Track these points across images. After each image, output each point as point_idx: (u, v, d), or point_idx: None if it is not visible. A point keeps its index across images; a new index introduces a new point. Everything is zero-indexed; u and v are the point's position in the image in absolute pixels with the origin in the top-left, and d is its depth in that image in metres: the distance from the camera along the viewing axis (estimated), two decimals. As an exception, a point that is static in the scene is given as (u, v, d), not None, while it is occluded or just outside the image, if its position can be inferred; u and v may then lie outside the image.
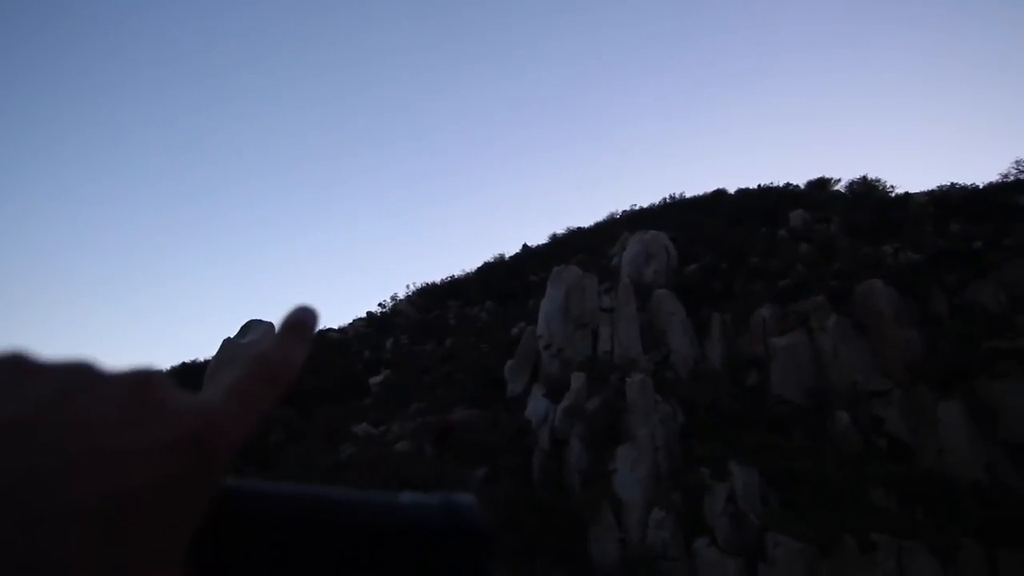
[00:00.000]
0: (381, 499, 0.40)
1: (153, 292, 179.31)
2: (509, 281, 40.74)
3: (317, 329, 0.43)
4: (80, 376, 0.31)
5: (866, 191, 33.28)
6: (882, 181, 33.60)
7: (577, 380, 21.65)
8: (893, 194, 31.98)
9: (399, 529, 0.38)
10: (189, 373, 37.62)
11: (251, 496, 0.37)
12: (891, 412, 18.83)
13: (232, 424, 0.33)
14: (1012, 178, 27.26)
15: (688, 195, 47.14)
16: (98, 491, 0.26)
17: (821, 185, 37.22)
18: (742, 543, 15.52)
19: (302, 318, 0.42)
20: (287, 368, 0.38)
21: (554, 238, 49.08)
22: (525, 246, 49.23)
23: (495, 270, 45.74)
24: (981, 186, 27.92)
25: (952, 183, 29.24)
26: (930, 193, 29.65)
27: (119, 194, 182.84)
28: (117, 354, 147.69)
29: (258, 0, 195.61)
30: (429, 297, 44.54)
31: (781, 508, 16.32)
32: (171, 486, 0.29)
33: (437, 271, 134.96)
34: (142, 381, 0.32)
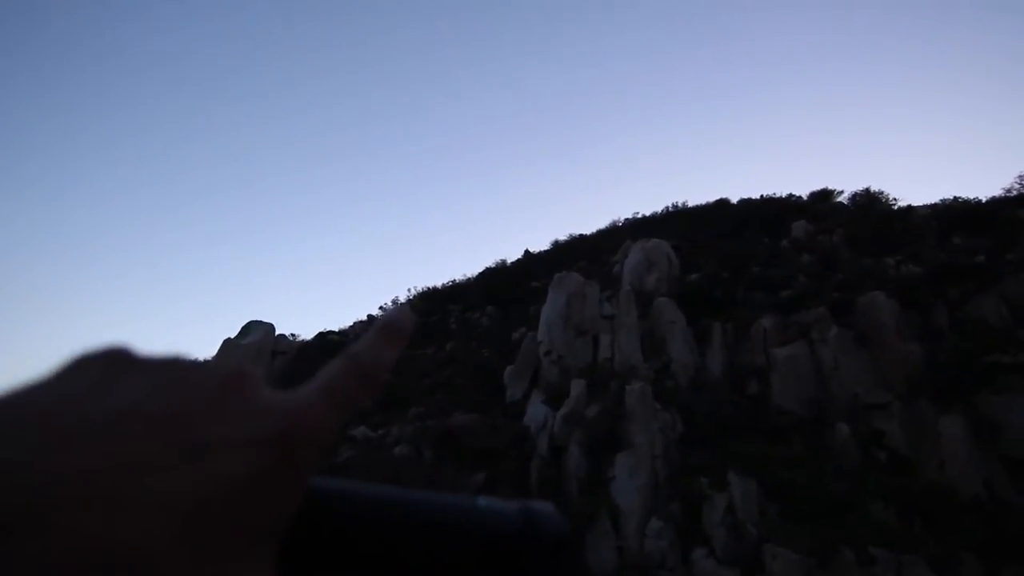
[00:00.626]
0: (460, 502, 0.40)
1: (153, 294, 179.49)
2: (511, 287, 40.73)
3: (411, 330, 0.42)
4: (176, 371, 0.32)
5: (869, 203, 33.30)
6: (885, 193, 33.65)
7: (577, 387, 21.63)
8: (896, 207, 32.01)
9: (479, 532, 0.39)
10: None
11: (337, 495, 0.37)
12: (891, 425, 18.77)
13: (320, 423, 0.33)
14: (1015, 192, 27.27)
15: (691, 204, 47.26)
16: (188, 484, 0.27)
17: (824, 196, 37.27)
18: (740, 554, 15.45)
19: (397, 318, 0.41)
20: (378, 368, 0.38)
21: (556, 244, 49.12)
22: (527, 252, 49.25)
23: (497, 275, 45.74)
24: (984, 200, 27.94)
25: (955, 197, 29.28)
26: (933, 206, 29.68)
27: (115, 195, 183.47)
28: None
29: (254, 3, 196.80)
30: (430, 301, 44.51)
31: (780, 519, 16.23)
32: (259, 482, 0.29)
33: (438, 275, 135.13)
34: (234, 377, 0.33)
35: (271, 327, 32.41)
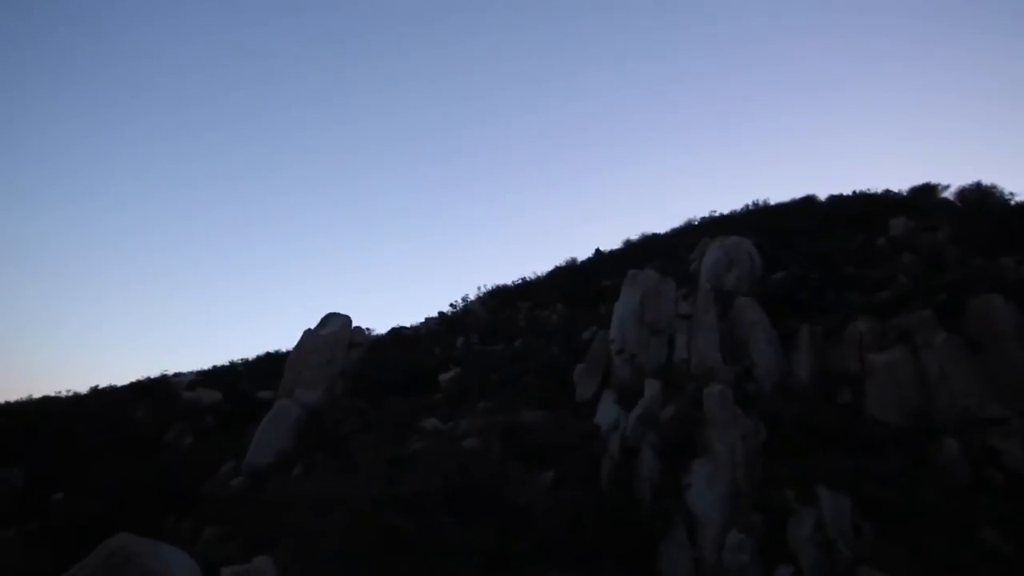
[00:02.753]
0: None
1: (239, 289, 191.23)
2: (581, 285, 40.12)
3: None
4: None
5: (980, 198, 30.26)
6: (999, 187, 30.47)
7: (651, 388, 20.81)
8: (1013, 201, 28.88)
9: None
10: (273, 361, 39.52)
11: None
12: (1010, 443, 16.79)
13: None
14: None
15: (773, 202, 44.74)
16: None
17: (926, 191, 34.27)
18: (831, 574, 14.25)
19: None
20: None
21: (628, 243, 47.99)
22: (598, 251, 48.41)
23: (567, 274, 45.23)
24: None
25: (1085, 191, 26.03)
26: (1058, 201, 26.56)
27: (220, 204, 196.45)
28: (206, 341, 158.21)
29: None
30: (500, 299, 44.61)
31: (876, 539, 14.84)
32: None
33: (509, 274, 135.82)
34: None
35: (348, 319, 33.39)
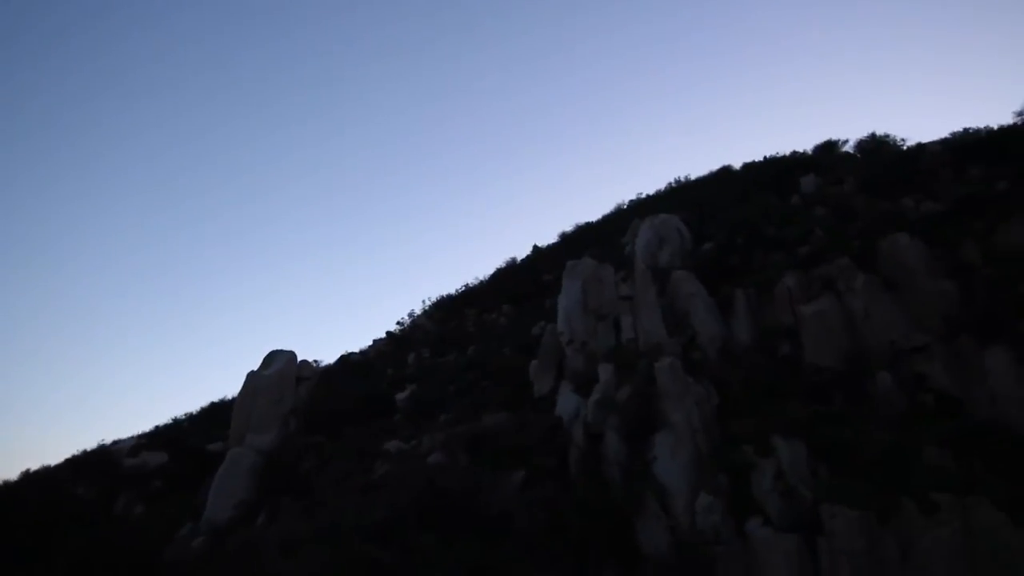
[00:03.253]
0: None
1: (172, 337, 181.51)
2: (523, 283, 40.45)
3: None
4: None
5: (876, 147, 32.53)
6: (892, 135, 32.85)
7: (605, 372, 21.20)
8: (905, 147, 31.18)
9: None
10: (219, 411, 37.76)
11: None
12: (934, 367, 18.11)
13: None
14: (1028, 115, 26.33)
15: (693, 176, 46.60)
16: None
17: (829, 148, 36.52)
18: (796, 519, 14.93)
19: None
20: None
21: (564, 236, 48.75)
22: (535, 247, 48.95)
23: (508, 274, 45.52)
24: (996, 128, 27.04)
25: (965, 128, 28.44)
26: (943, 141, 28.83)
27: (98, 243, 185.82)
28: (143, 402, 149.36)
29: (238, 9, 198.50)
30: (446, 309, 44.39)
31: (832, 478, 15.67)
32: None
33: (451, 282, 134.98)
34: None
35: (293, 355, 32.30)
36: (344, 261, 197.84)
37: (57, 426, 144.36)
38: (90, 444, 44.16)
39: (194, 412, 40.44)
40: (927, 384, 18.08)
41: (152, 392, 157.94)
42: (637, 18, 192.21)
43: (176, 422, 39.36)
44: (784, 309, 22.08)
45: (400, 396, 28.62)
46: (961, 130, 28.43)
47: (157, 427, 38.86)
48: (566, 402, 21.61)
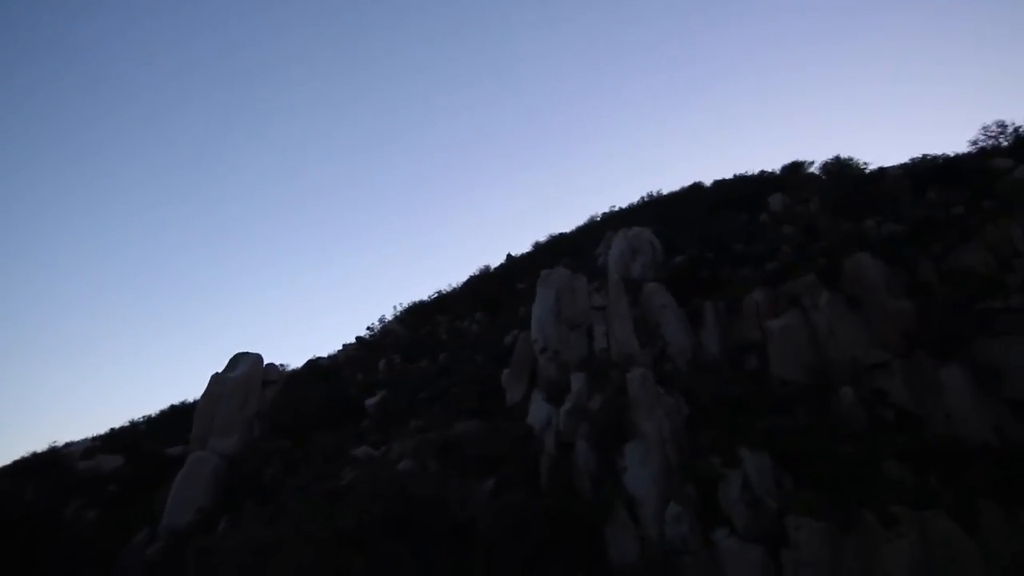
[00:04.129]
0: None
1: (135, 338, 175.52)
2: (497, 291, 40.44)
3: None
4: None
5: (840, 170, 33.68)
6: (855, 159, 34.09)
7: (577, 381, 21.32)
8: (867, 170, 32.39)
9: None
10: (179, 414, 36.59)
11: None
12: (894, 383, 18.75)
13: None
14: (982, 144, 27.72)
15: (665, 191, 47.52)
16: None
17: (795, 168, 37.69)
18: (762, 529, 15.19)
19: None
20: None
21: (538, 245, 49.00)
22: (509, 256, 49.07)
23: (482, 282, 45.46)
24: (953, 155, 28.34)
25: (924, 155, 29.68)
26: (903, 166, 30.05)
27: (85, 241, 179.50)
28: (105, 404, 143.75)
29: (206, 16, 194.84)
30: (418, 315, 44.05)
31: (797, 489, 16.03)
32: None
33: (423, 289, 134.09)
34: None
35: (259, 357, 31.58)
36: (315, 266, 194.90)
37: (2, 427, 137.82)
38: (39, 447, 42.24)
39: (153, 415, 39.10)
40: (887, 399, 18.70)
41: (109, 394, 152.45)
42: (614, 36, 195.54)
43: (134, 425, 37.99)
44: (752, 323, 22.61)
45: (370, 401, 28.23)
46: (920, 156, 29.68)
47: (113, 429, 37.43)
48: (538, 411, 21.64)
